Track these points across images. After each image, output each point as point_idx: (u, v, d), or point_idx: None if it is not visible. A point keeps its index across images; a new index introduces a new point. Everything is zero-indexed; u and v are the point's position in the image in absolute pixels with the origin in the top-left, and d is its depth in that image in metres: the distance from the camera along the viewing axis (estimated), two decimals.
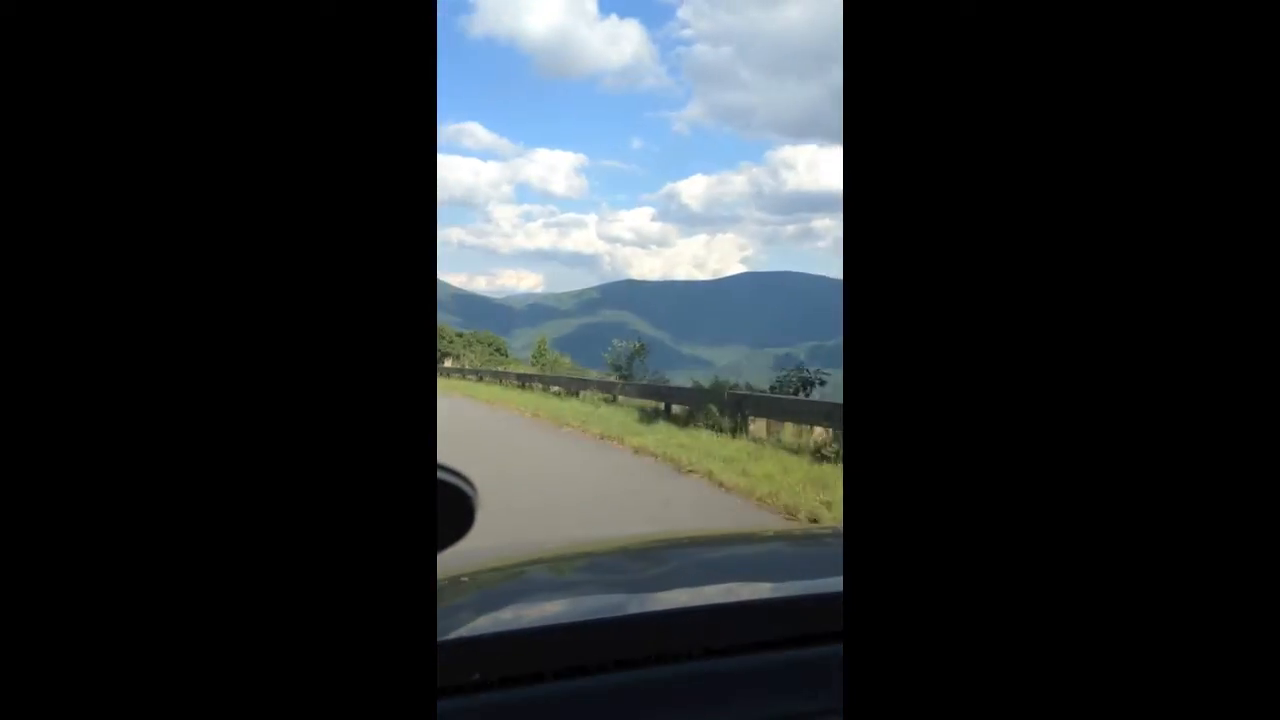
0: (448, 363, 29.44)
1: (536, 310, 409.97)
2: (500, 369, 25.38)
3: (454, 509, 0.49)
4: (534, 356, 27.01)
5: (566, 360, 26.53)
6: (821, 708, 0.65)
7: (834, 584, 0.76)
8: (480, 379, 24.20)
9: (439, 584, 0.56)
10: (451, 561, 0.80)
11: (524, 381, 19.90)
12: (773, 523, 4.84)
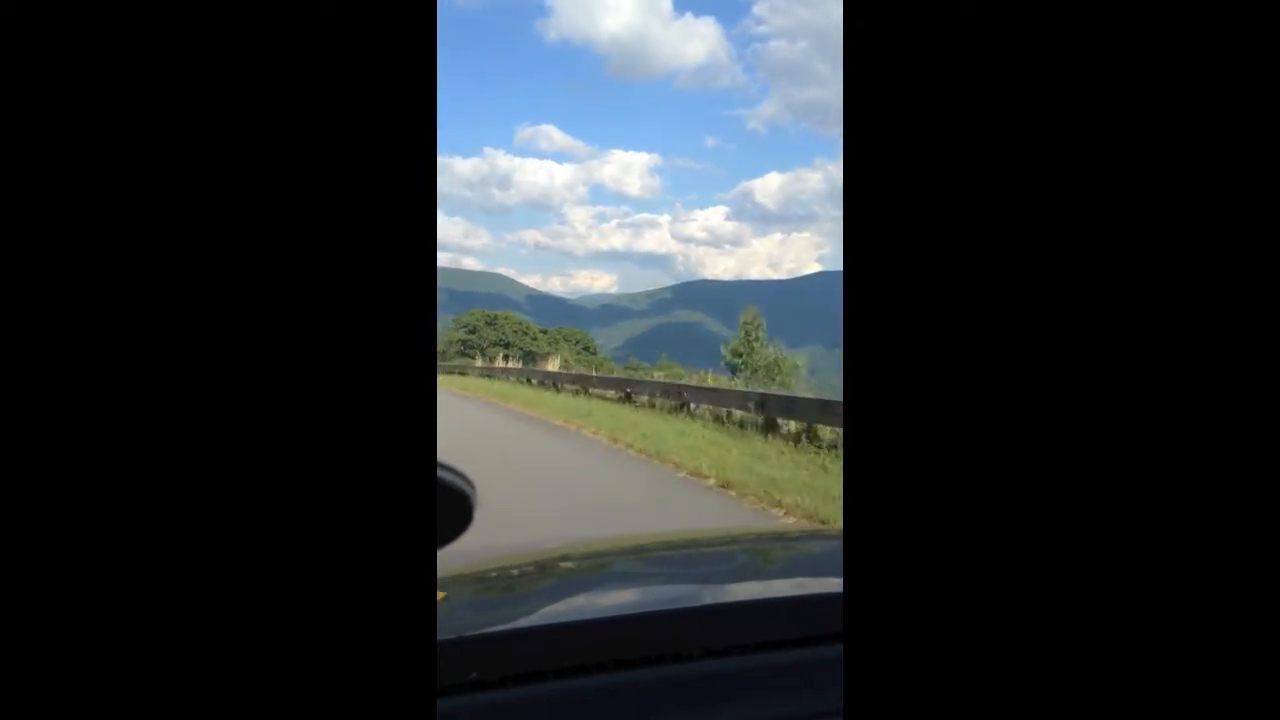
0: (551, 364, 21.92)
1: (610, 311, 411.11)
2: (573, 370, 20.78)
3: (453, 507, 0.49)
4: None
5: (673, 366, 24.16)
6: (821, 709, 0.65)
7: (834, 584, 0.76)
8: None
9: (439, 582, 0.56)
10: (451, 560, 0.79)
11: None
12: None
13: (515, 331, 51.84)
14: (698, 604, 0.90)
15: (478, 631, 0.78)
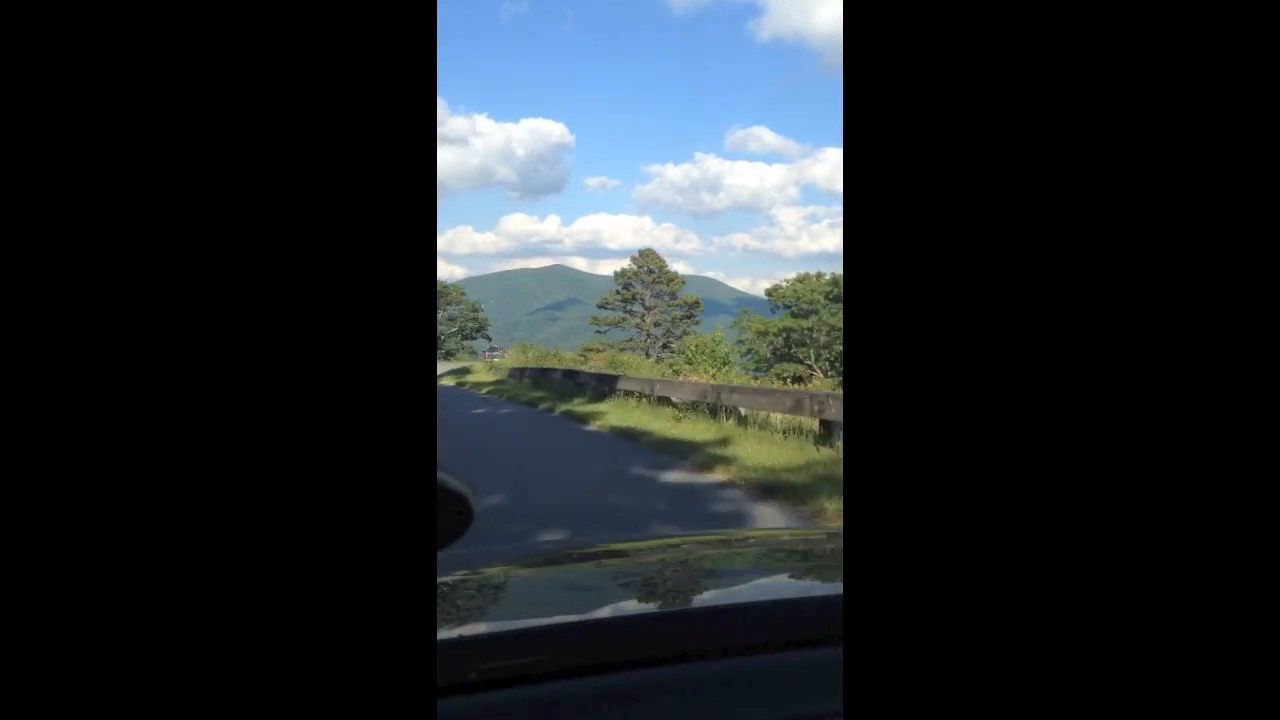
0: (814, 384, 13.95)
1: None
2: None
3: (453, 509, 0.49)
4: None
5: None
6: (821, 710, 0.65)
7: (834, 586, 0.78)
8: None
9: (439, 583, 0.56)
10: (452, 561, 0.81)
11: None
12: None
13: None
14: (698, 605, 0.91)
15: (478, 631, 0.79)
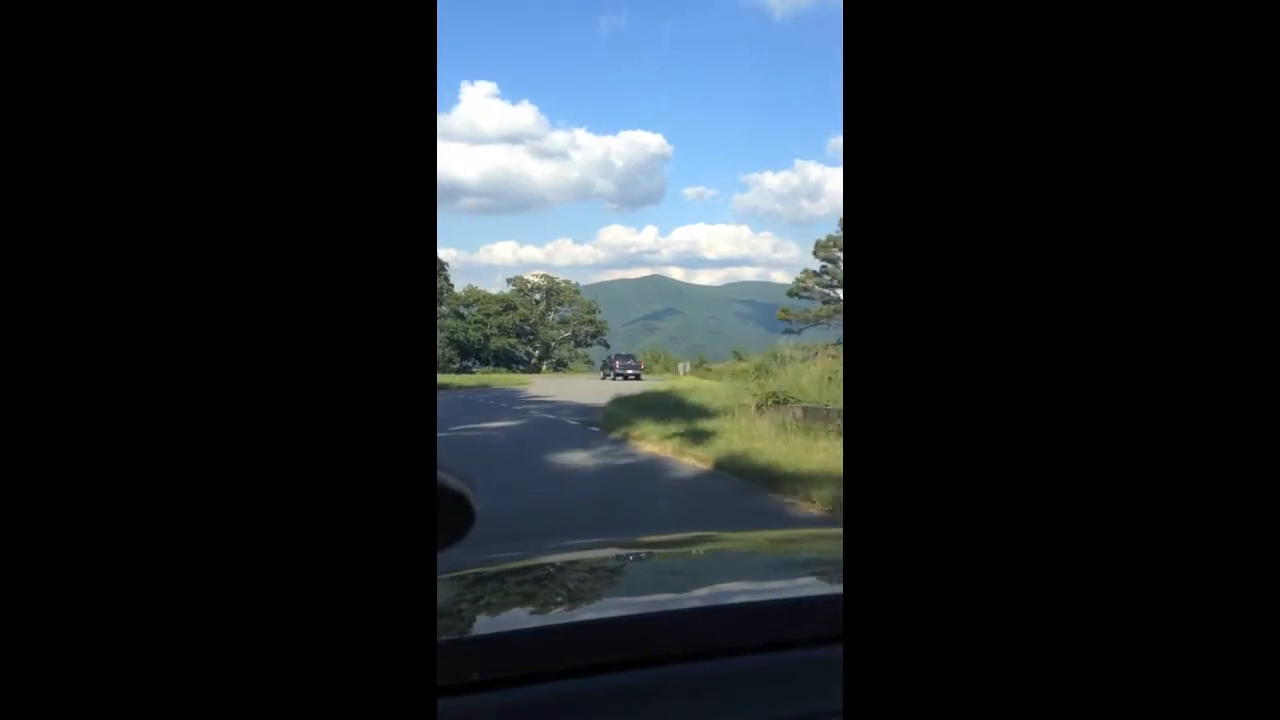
0: None
1: None
2: None
3: (454, 509, 0.49)
4: None
5: None
6: (821, 709, 0.65)
7: (834, 586, 0.79)
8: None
9: (440, 583, 0.57)
10: (452, 561, 0.81)
11: None
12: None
13: None
14: (698, 605, 0.91)
15: (478, 631, 0.79)
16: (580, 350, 56.53)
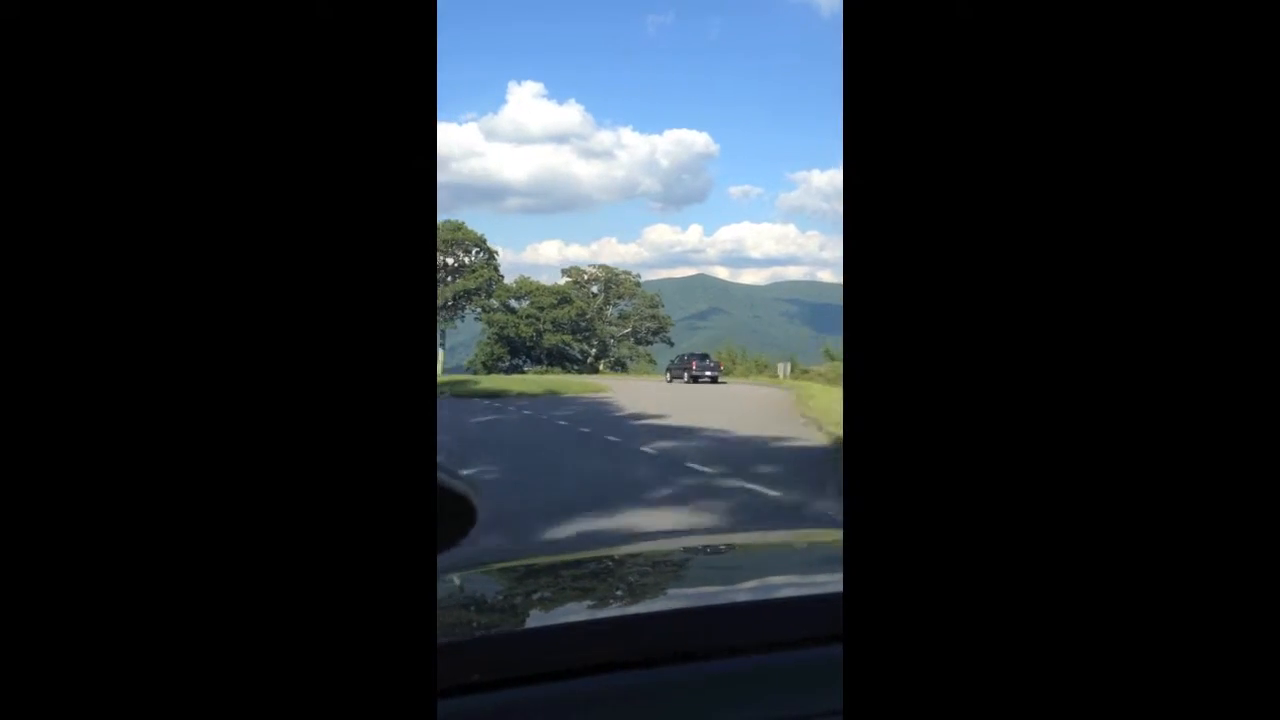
0: None
1: None
2: None
3: (454, 510, 0.50)
4: None
5: None
6: (821, 710, 0.65)
7: (834, 586, 0.77)
8: None
9: (440, 584, 0.57)
10: (452, 561, 0.82)
11: None
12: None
13: None
14: (698, 605, 0.91)
15: (478, 632, 0.79)
16: (640, 348, 51.09)
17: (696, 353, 31.73)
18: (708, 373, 28.35)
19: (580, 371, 45.24)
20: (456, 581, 0.97)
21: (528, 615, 0.93)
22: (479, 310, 48.16)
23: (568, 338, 49.00)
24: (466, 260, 48.22)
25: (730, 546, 1.36)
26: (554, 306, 48.54)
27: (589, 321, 49.99)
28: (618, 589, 1.08)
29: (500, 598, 1.03)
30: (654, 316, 51.56)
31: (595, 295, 51.66)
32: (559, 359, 48.31)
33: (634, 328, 51.20)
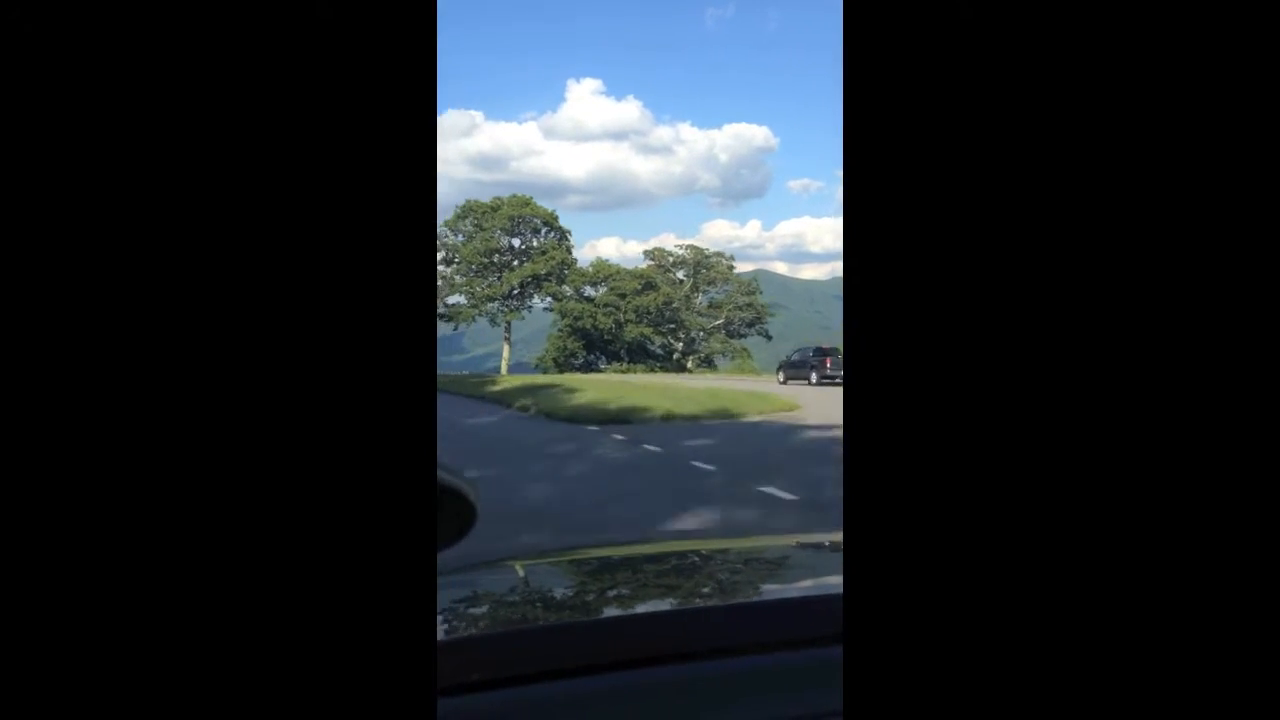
0: None
1: None
2: None
3: (454, 509, 0.49)
4: None
5: None
6: (821, 710, 0.65)
7: (834, 586, 0.78)
8: None
9: (440, 583, 0.56)
10: (452, 561, 0.79)
11: None
12: None
13: None
14: (698, 605, 0.92)
15: (478, 631, 0.80)
16: (733, 342, 43.99)
17: (825, 346, 24.37)
18: (841, 371, 20.90)
19: (664, 369, 38.44)
20: (456, 580, 0.97)
21: (527, 614, 0.93)
22: (549, 298, 41.68)
23: (648, 330, 42.22)
24: (535, 242, 41.77)
25: (732, 547, 1.35)
26: (638, 293, 41.81)
27: (674, 311, 43.14)
28: (618, 588, 1.08)
29: (500, 596, 1.03)
30: (750, 305, 44.36)
31: (681, 281, 44.75)
32: (640, 355, 41.57)
33: (727, 318, 44.09)
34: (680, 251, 45.59)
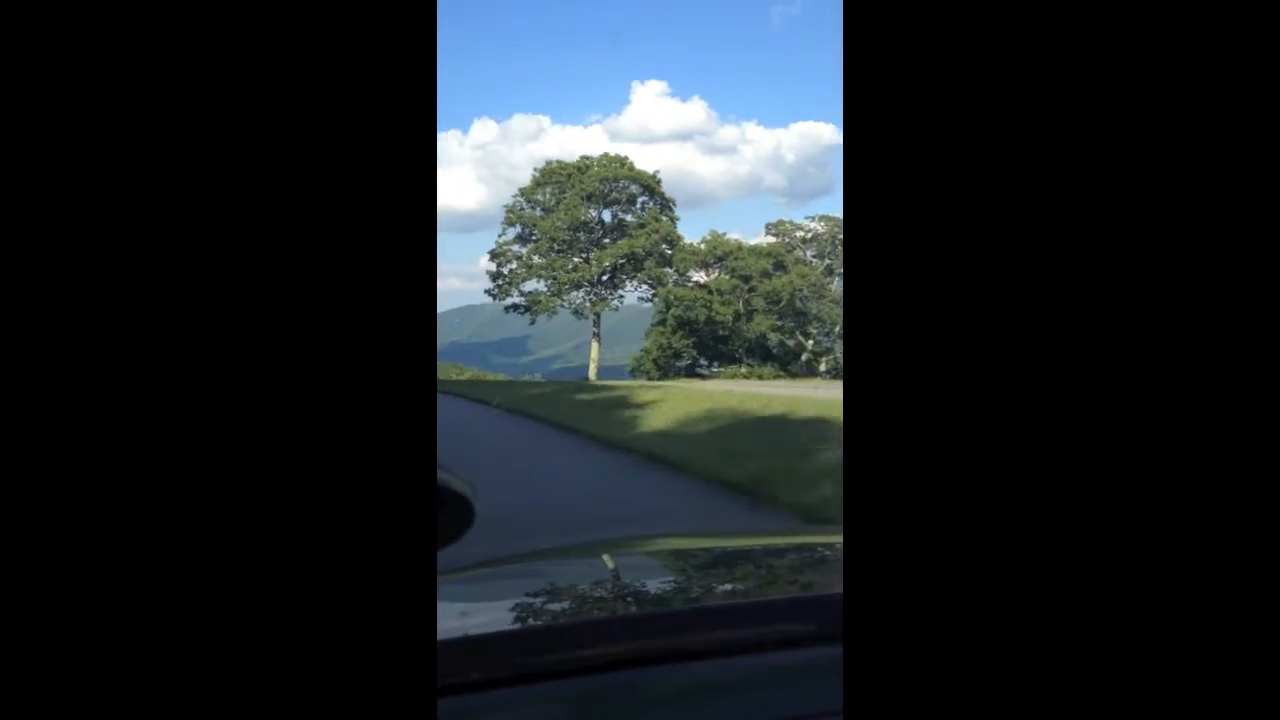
0: None
1: None
2: None
3: (454, 509, 0.50)
4: None
5: None
6: (821, 710, 0.65)
7: (834, 586, 0.78)
8: None
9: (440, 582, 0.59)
10: (452, 561, 0.80)
11: None
12: None
13: None
14: (698, 604, 0.92)
15: (478, 631, 0.80)
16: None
17: None
18: None
19: (793, 375, 29.36)
20: (456, 580, 0.98)
21: (527, 614, 0.93)
22: (650, 283, 32.85)
23: (773, 323, 33.16)
24: (627, 217, 32.98)
25: (732, 547, 1.36)
26: (765, 276, 32.79)
27: (805, 299, 33.95)
28: (618, 588, 1.08)
29: (500, 596, 1.04)
30: None
31: (811, 262, 35.58)
32: (759, 355, 32.53)
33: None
34: (815, 225, 36.33)
